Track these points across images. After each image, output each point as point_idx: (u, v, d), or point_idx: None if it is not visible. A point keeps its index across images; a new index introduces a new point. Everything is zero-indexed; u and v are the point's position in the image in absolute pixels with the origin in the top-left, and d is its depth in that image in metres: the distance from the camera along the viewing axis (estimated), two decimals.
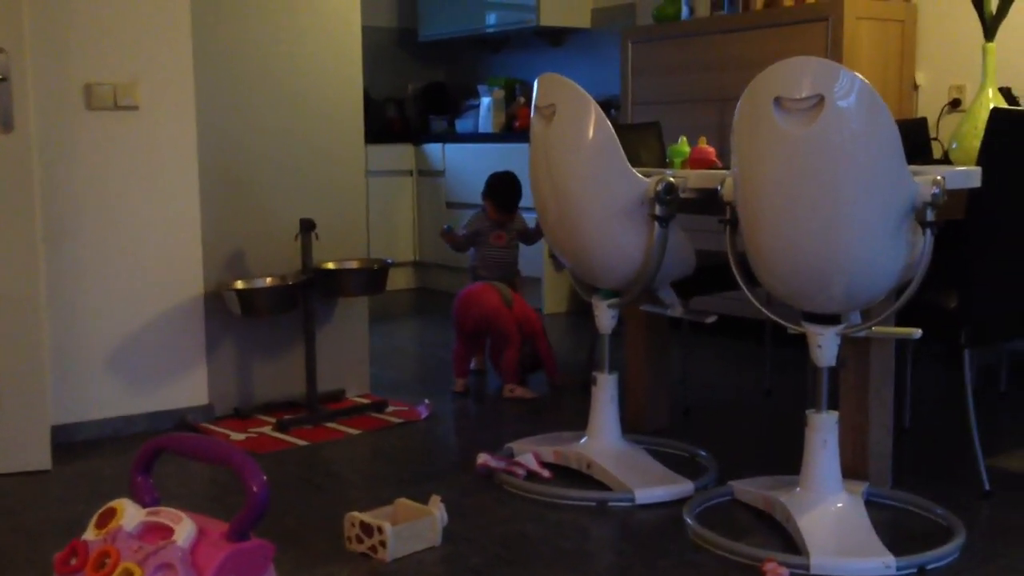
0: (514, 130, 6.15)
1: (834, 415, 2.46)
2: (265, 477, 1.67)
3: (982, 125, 2.76)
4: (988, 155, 2.58)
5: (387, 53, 7.09)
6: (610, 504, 2.67)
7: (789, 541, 2.38)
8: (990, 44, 3.05)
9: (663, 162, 3.60)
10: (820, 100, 2.18)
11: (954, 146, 3.13)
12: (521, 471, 2.85)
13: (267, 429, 3.40)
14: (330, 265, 3.62)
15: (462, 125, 6.54)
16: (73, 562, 1.73)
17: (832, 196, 2.21)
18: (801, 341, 2.50)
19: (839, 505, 2.43)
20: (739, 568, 2.28)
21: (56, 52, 3.17)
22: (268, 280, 3.52)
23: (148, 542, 1.68)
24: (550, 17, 6.03)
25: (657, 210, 2.64)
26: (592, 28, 6.16)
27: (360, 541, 2.38)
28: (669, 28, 4.93)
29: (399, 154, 6.52)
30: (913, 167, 2.28)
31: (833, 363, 2.44)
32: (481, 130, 6.33)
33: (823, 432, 2.44)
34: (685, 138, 3.17)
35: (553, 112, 2.71)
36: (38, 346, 2.94)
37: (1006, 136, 2.59)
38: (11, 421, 2.93)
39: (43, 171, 3.14)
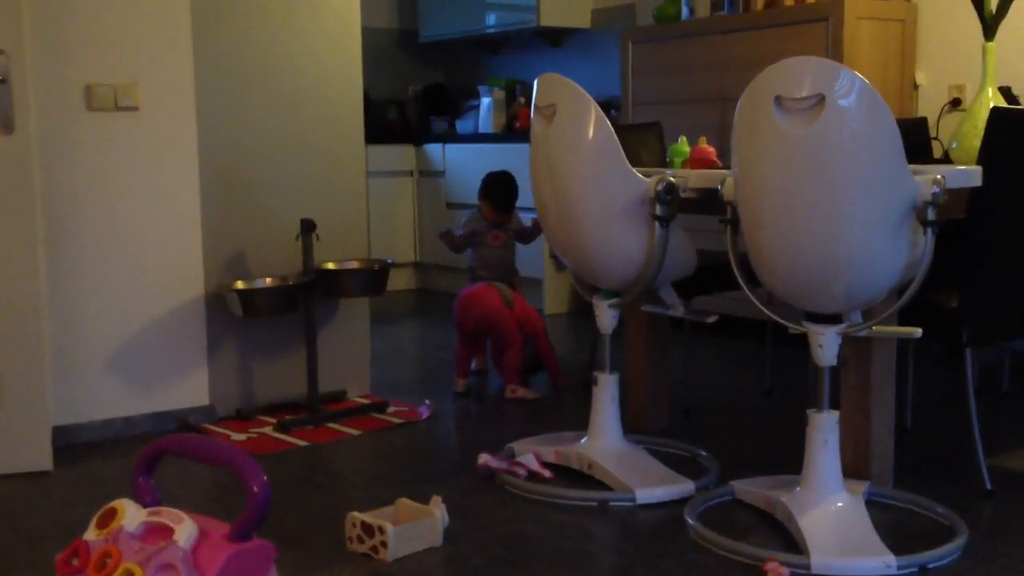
0: (514, 130, 6.15)
1: (835, 415, 2.45)
2: (266, 478, 1.67)
3: (982, 124, 2.76)
4: (988, 154, 2.58)
5: (387, 54, 7.09)
6: (611, 504, 2.67)
7: (790, 541, 2.38)
8: (990, 43, 3.05)
9: (663, 162, 3.60)
10: (820, 100, 2.18)
11: (954, 145, 3.13)
12: (522, 471, 2.85)
13: (268, 430, 3.40)
14: (331, 266, 3.62)
15: (462, 126, 6.54)
16: (75, 562, 1.73)
17: (832, 196, 2.21)
18: (802, 341, 2.50)
19: (840, 505, 2.43)
20: (740, 568, 2.28)
21: (56, 53, 3.17)
22: (269, 281, 3.52)
23: (149, 543, 1.68)
24: (550, 17, 6.03)
25: (658, 210, 2.64)
26: (592, 28, 6.16)
27: (361, 541, 2.38)
28: (669, 28, 4.93)
29: (399, 155, 6.52)
30: (913, 167, 2.28)
31: (834, 363, 2.44)
32: (481, 131, 6.33)
33: (824, 432, 2.44)
34: (685, 138, 3.17)
35: (553, 112, 2.71)
36: (39, 347, 2.94)
37: (1006, 135, 2.59)
38: (12, 422, 2.93)
39: (43, 172, 3.14)
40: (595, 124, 2.65)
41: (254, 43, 3.54)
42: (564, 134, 2.69)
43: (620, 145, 2.65)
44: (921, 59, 4.44)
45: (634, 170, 2.67)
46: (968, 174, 2.49)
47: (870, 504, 2.52)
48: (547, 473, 2.86)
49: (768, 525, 2.51)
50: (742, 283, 2.57)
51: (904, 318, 2.63)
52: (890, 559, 2.23)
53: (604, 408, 2.90)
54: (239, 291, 3.38)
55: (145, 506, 1.78)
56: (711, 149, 3.03)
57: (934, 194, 2.23)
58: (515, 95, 6.38)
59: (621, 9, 5.93)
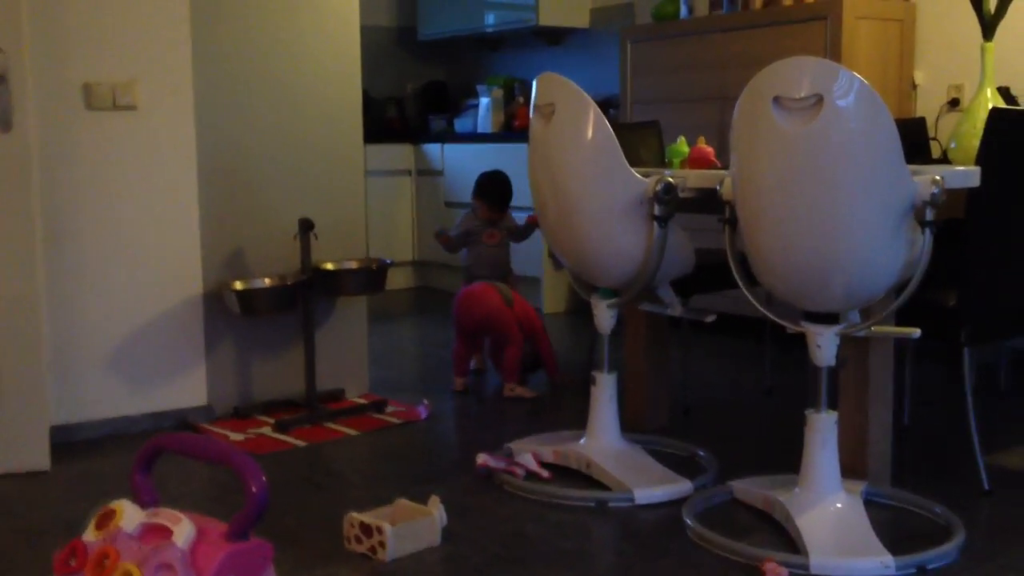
0: (513, 130, 6.15)
1: (833, 415, 2.46)
2: (265, 477, 1.67)
3: (981, 124, 2.76)
4: (987, 155, 2.58)
5: (386, 52, 7.09)
6: (610, 504, 2.67)
7: (789, 541, 2.38)
8: (989, 44, 3.05)
9: (662, 161, 3.60)
10: (819, 100, 2.18)
11: (953, 145, 3.13)
12: (521, 471, 2.85)
13: (266, 429, 3.40)
14: (329, 265, 3.62)
15: (461, 125, 6.54)
16: (73, 563, 1.73)
17: (831, 195, 2.21)
18: (801, 339, 2.50)
19: (838, 505, 2.43)
20: (739, 568, 2.28)
21: (55, 52, 3.17)
22: (267, 280, 3.52)
23: (147, 543, 1.68)
24: (549, 17, 6.03)
25: (656, 210, 2.64)
26: (591, 27, 6.16)
27: (359, 541, 2.38)
28: (668, 27, 4.93)
29: (398, 154, 6.51)
30: (912, 167, 2.28)
31: (833, 363, 2.44)
32: (480, 130, 6.33)
33: (822, 432, 2.44)
34: (684, 138, 3.17)
35: (552, 112, 2.71)
36: (37, 346, 2.94)
37: (1005, 136, 2.59)
38: (10, 421, 2.93)
39: (42, 171, 3.14)
40: (594, 124, 2.65)
41: (253, 42, 3.54)
42: (563, 134, 2.69)
43: (619, 145, 2.65)
44: (920, 59, 4.44)
45: (633, 170, 2.67)
46: (967, 174, 2.49)
47: (868, 504, 2.52)
48: (545, 473, 2.86)
49: (767, 525, 2.51)
50: (740, 283, 2.57)
51: (902, 317, 2.63)
52: (888, 559, 2.23)
53: (602, 407, 2.90)
54: (237, 290, 3.37)
55: (144, 505, 1.78)
56: (710, 149, 3.03)
57: (933, 194, 2.23)
58: (514, 94, 6.38)
59: (620, 8, 5.92)
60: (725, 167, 2.78)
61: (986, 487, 2.71)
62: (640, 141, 3.77)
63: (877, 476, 2.70)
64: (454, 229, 4.12)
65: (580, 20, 6.14)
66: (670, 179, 2.63)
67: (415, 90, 7.08)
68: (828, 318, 2.43)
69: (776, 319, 2.52)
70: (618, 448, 2.90)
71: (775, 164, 2.26)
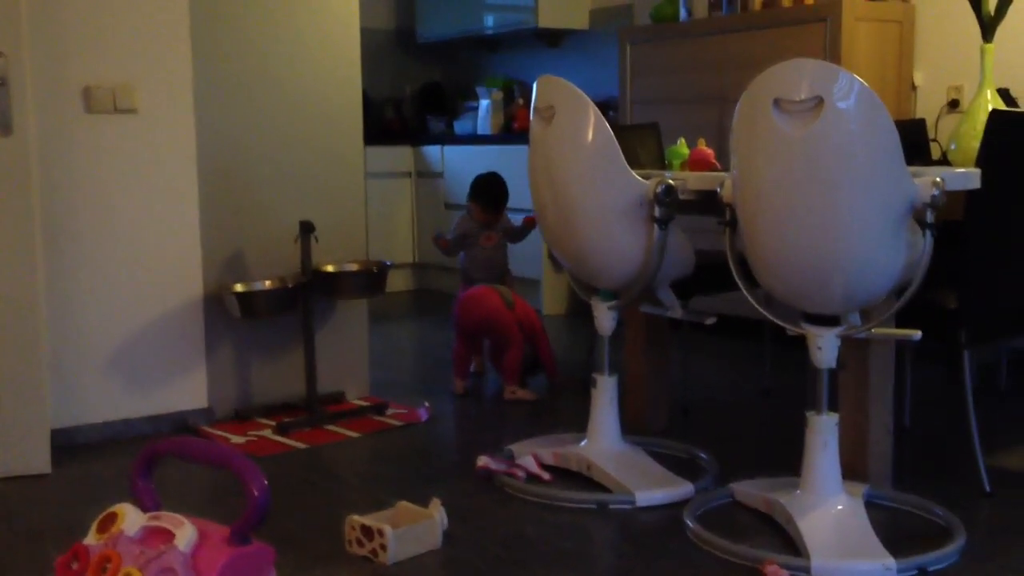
0: (512, 131, 6.15)
1: (834, 417, 2.46)
2: (266, 481, 1.67)
3: (981, 126, 2.76)
4: (987, 156, 2.58)
5: (385, 54, 7.09)
6: (610, 506, 2.67)
7: (789, 543, 2.38)
8: (988, 45, 3.05)
9: (662, 163, 3.60)
10: (819, 102, 2.18)
11: (952, 147, 3.13)
12: (521, 473, 2.85)
13: (267, 432, 3.40)
14: (329, 267, 3.62)
15: (460, 126, 6.55)
16: (74, 566, 1.73)
17: (831, 197, 2.21)
18: (801, 341, 2.50)
19: (839, 507, 2.43)
20: (739, 570, 2.28)
21: (55, 55, 3.17)
22: (267, 282, 3.52)
23: (149, 546, 1.68)
24: (548, 18, 6.03)
25: (656, 212, 2.65)
26: (590, 29, 6.16)
27: (361, 544, 2.38)
28: (667, 29, 4.93)
29: (398, 156, 6.52)
30: (913, 168, 2.28)
31: (833, 365, 2.44)
32: (479, 131, 6.34)
33: (823, 434, 2.44)
34: (684, 139, 3.17)
35: (552, 114, 2.71)
36: (37, 349, 2.94)
37: (1005, 137, 2.59)
38: (10, 424, 2.93)
39: (42, 174, 3.14)
40: (594, 126, 2.65)
41: (253, 44, 3.54)
42: (563, 136, 2.69)
43: (619, 147, 2.65)
44: (919, 60, 4.44)
45: (633, 172, 2.67)
46: (967, 176, 2.49)
47: (869, 505, 2.52)
48: (546, 475, 2.86)
49: (767, 527, 2.51)
50: (741, 284, 2.57)
51: (903, 319, 2.63)
52: (889, 561, 2.23)
53: (603, 410, 2.91)
54: (238, 293, 3.38)
55: (145, 509, 1.78)
56: (710, 151, 3.03)
57: (933, 196, 2.23)
58: (513, 96, 6.39)
59: (619, 10, 5.93)
60: (725, 169, 2.78)
61: (987, 488, 2.71)
62: (640, 143, 3.77)
63: (878, 477, 2.70)
64: (451, 233, 4.12)
65: (579, 22, 6.14)
66: (670, 181, 2.63)
67: (414, 92, 7.09)
68: (828, 320, 2.43)
69: (776, 321, 2.52)
70: (618, 450, 2.90)
71: (775, 166, 2.26)
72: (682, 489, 2.72)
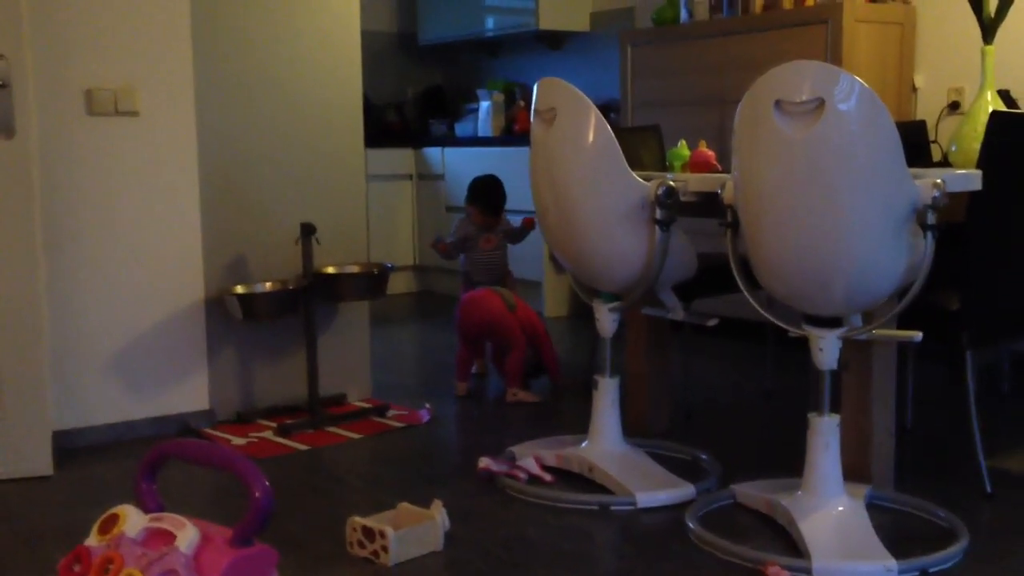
0: (513, 134, 6.15)
1: (836, 418, 2.46)
2: (268, 483, 1.67)
3: (981, 127, 2.76)
4: (988, 158, 2.58)
5: (387, 57, 7.09)
6: (612, 508, 2.67)
7: (791, 544, 2.38)
8: (989, 47, 3.05)
9: (663, 165, 3.60)
10: (820, 103, 2.18)
11: (953, 148, 3.13)
12: (523, 475, 2.85)
13: (268, 434, 3.40)
14: (331, 269, 3.63)
15: (462, 129, 6.55)
16: (77, 568, 1.73)
17: (833, 199, 2.21)
18: (803, 342, 2.50)
19: (841, 508, 2.43)
20: (741, 571, 2.28)
21: (56, 57, 3.17)
22: (269, 285, 3.53)
23: (151, 548, 1.68)
24: (549, 20, 6.03)
25: (658, 214, 2.65)
26: (591, 31, 6.16)
27: (362, 546, 2.38)
28: (668, 31, 4.93)
29: (399, 158, 6.52)
30: (914, 170, 2.28)
31: (835, 366, 2.44)
32: (480, 134, 6.34)
33: (825, 435, 2.44)
34: (685, 141, 3.17)
35: (553, 116, 2.71)
36: (39, 351, 2.94)
37: (1006, 139, 2.60)
38: (12, 426, 2.93)
39: (44, 176, 3.14)
40: (595, 128, 2.65)
41: (254, 47, 3.55)
42: (564, 138, 2.69)
43: (620, 149, 2.65)
44: (920, 62, 4.44)
45: (634, 174, 2.67)
46: (968, 178, 2.50)
47: (870, 507, 2.52)
48: (548, 477, 2.86)
49: (769, 529, 2.51)
50: (742, 286, 2.57)
51: (904, 320, 2.63)
52: (891, 563, 2.23)
53: (605, 412, 2.91)
54: (239, 295, 3.38)
55: (148, 511, 1.78)
56: (711, 153, 3.03)
57: (934, 198, 2.23)
58: (514, 98, 6.39)
59: (620, 12, 5.93)
60: (726, 171, 2.78)
61: (988, 490, 2.71)
62: (641, 145, 3.77)
63: (880, 479, 2.70)
64: (450, 236, 4.12)
65: (580, 24, 6.14)
66: (671, 183, 2.64)
67: (415, 95, 7.09)
68: (830, 322, 2.43)
69: (778, 323, 2.53)
70: (620, 452, 2.90)
71: (776, 168, 2.26)
72: (684, 490, 2.72)
